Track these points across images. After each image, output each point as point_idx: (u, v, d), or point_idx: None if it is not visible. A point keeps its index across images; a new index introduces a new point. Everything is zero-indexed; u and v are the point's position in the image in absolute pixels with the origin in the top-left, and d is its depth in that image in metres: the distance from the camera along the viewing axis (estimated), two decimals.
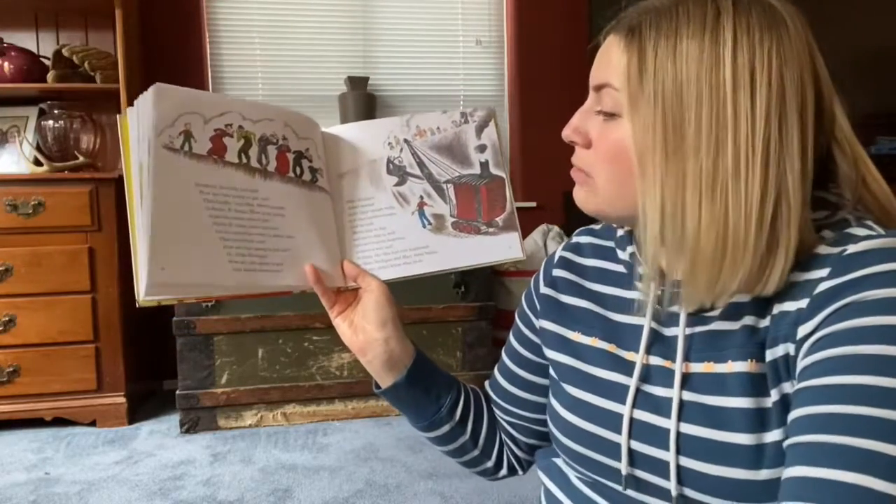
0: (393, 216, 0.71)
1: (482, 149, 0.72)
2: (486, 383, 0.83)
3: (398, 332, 0.71)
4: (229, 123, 0.64)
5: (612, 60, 0.56)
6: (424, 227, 0.71)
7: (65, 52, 2.44)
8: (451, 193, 0.71)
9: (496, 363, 0.82)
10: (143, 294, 0.58)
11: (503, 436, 0.80)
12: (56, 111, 2.52)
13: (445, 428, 0.75)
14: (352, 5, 3.02)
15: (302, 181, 0.68)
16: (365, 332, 0.70)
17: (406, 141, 0.72)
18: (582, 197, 0.61)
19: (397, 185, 0.71)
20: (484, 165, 0.72)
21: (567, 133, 0.61)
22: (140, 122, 0.60)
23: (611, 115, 0.57)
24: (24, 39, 2.60)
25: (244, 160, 0.64)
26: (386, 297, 0.69)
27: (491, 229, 0.71)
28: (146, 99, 0.60)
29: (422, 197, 0.71)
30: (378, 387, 0.75)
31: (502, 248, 0.71)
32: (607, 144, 0.57)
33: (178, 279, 0.59)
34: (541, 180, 3.05)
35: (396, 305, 0.71)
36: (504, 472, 0.81)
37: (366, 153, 0.72)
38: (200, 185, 0.61)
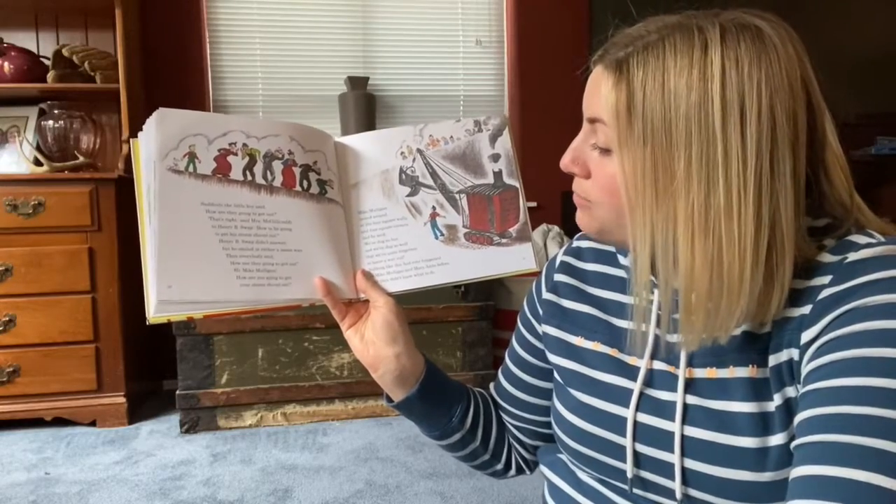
0: (405, 227, 0.70)
1: (496, 158, 0.71)
2: (491, 386, 0.83)
3: (408, 346, 0.70)
4: (233, 142, 0.65)
5: (601, 96, 0.55)
6: (437, 238, 0.70)
7: (65, 52, 2.44)
8: (463, 204, 0.70)
9: (496, 363, 0.82)
10: (153, 312, 0.60)
11: (510, 438, 0.80)
12: (56, 111, 2.52)
13: (457, 436, 0.76)
14: (352, 5, 3.01)
15: (310, 194, 0.68)
16: (375, 347, 0.69)
17: (419, 150, 0.71)
18: (585, 222, 0.61)
19: (409, 195, 0.70)
20: (497, 175, 0.71)
21: (566, 163, 0.60)
22: (146, 146, 0.62)
23: (605, 150, 0.56)
24: (24, 39, 2.60)
25: (249, 177, 0.65)
26: (394, 314, 0.68)
27: (504, 240, 0.70)
28: (150, 123, 0.62)
29: (434, 207, 0.70)
30: (390, 400, 0.74)
31: (516, 259, 0.69)
32: (604, 178, 0.57)
33: (186, 296, 0.61)
34: (540, 180, 3.05)
35: (405, 319, 0.70)
36: (513, 472, 0.82)
37: (378, 163, 0.71)
38: (206, 204, 0.63)
